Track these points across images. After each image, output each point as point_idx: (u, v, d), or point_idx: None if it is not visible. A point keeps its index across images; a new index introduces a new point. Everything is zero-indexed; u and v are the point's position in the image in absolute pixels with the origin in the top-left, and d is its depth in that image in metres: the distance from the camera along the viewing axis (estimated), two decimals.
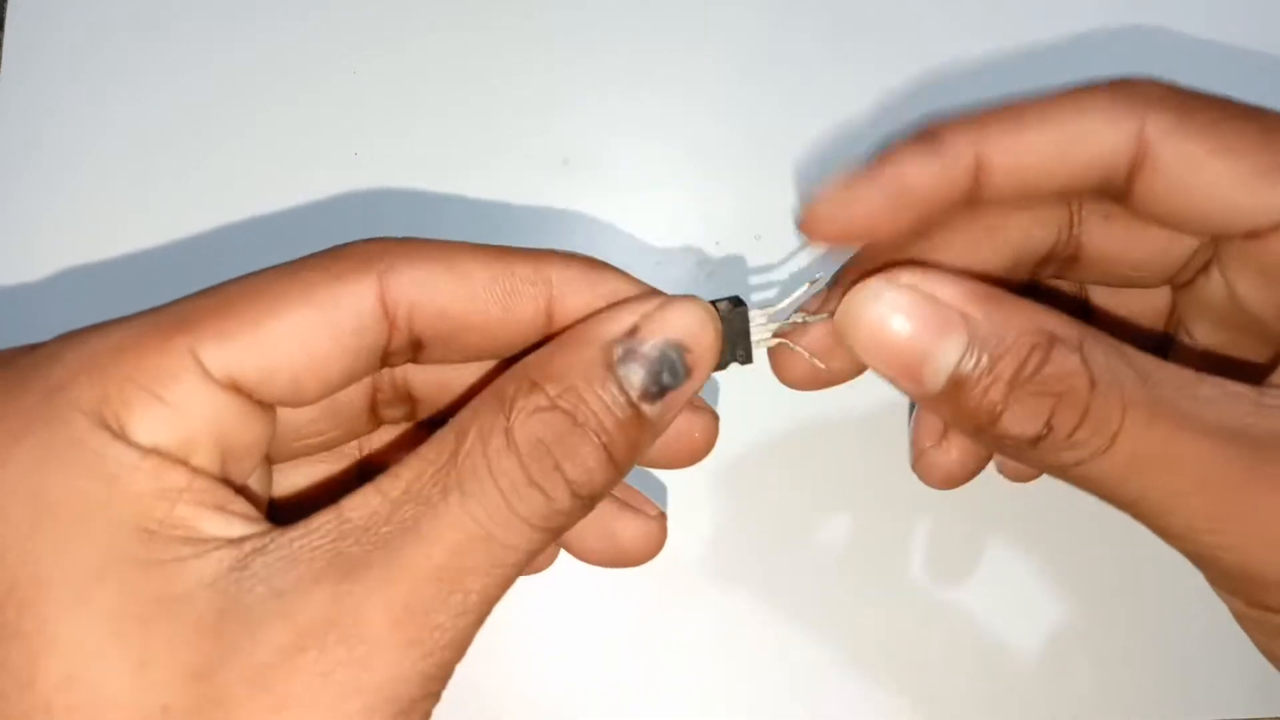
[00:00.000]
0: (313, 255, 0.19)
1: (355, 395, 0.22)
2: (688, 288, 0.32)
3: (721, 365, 0.21)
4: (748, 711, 0.29)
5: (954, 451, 0.26)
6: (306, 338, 0.18)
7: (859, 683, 0.29)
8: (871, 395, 0.29)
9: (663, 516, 0.24)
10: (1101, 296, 0.26)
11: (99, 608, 0.16)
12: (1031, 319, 0.19)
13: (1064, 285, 0.26)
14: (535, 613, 0.30)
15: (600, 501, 0.19)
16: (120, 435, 0.17)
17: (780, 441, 0.31)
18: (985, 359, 0.19)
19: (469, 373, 0.22)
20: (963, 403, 0.19)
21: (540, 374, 0.18)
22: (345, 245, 0.20)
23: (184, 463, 0.17)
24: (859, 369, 0.23)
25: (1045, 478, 0.22)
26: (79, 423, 0.17)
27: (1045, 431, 0.19)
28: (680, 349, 0.19)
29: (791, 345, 0.23)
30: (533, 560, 0.18)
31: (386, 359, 0.20)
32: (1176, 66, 0.22)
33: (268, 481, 0.21)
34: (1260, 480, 0.18)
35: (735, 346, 0.22)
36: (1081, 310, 0.26)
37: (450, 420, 0.19)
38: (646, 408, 0.19)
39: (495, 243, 0.21)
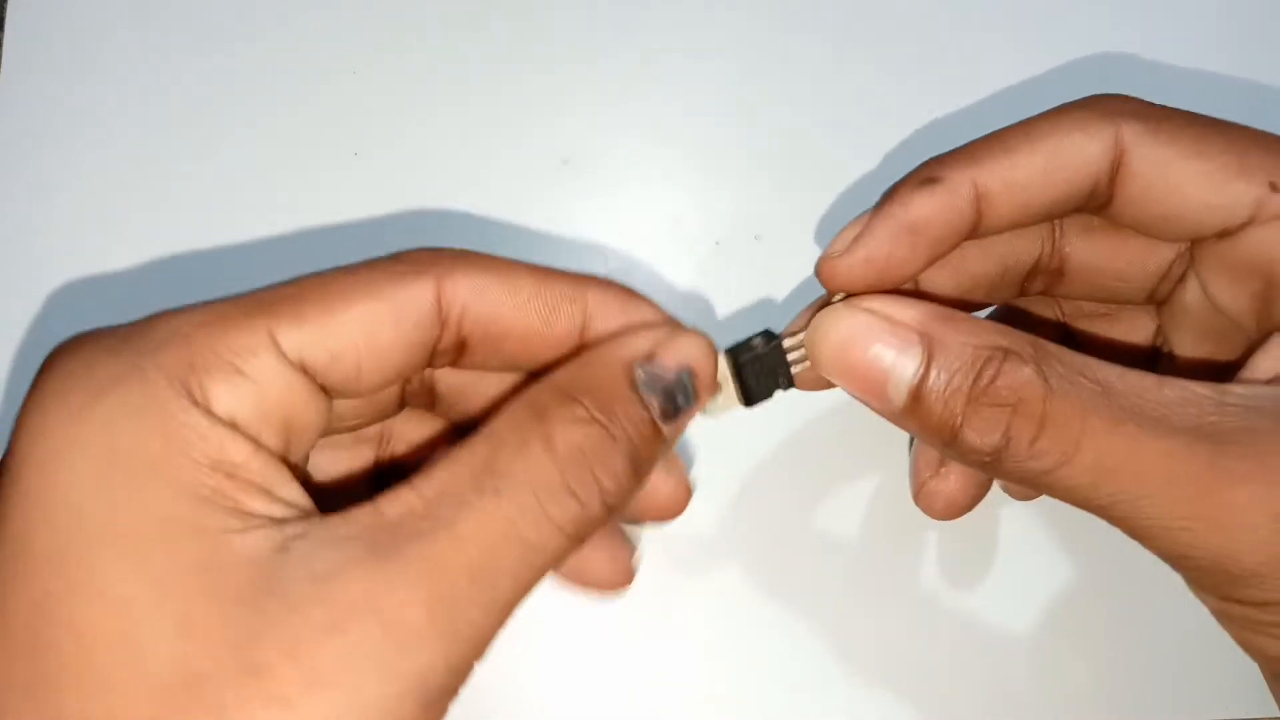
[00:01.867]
0: (376, 259, 0.21)
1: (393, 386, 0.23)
2: (688, 287, 0.32)
3: (767, 395, 0.23)
4: (746, 713, 0.29)
5: (952, 478, 0.26)
6: (372, 328, 0.19)
7: (856, 684, 0.29)
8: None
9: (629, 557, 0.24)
10: (1088, 326, 0.27)
11: (147, 567, 0.17)
12: (986, 334, 0.21)
13: (1048, 314, 0.27)
14: (540, 620, 0.30)
15: (618, 515, 0.20)
16: (198, 402, 0.18)
17: (781, 446, 0.31)
18: (942, 374, 0.20)
19: (491, 382, 0.23)
20: (925, 417, 0.21)
21: (576, 388, 0.20)
22: (405, 251, 0.21)
23: (251, 439, 0.18)
24: None
25: None
26: (160, 385, 0.17)
27: (1004, 442, 0.20)
28: (691, 374, 0.21)
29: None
30: (555, 563, 0.19)
31: (433, 359, 0.21)
32: (1144, 89, 0.23)
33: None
34: (1224, 475, 0.19)
35: (777, 376, 0.23)
36: (1065, 337, 0.27)
37: (482, 427, 0.19)
38: (664, 426, 0.20)
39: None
